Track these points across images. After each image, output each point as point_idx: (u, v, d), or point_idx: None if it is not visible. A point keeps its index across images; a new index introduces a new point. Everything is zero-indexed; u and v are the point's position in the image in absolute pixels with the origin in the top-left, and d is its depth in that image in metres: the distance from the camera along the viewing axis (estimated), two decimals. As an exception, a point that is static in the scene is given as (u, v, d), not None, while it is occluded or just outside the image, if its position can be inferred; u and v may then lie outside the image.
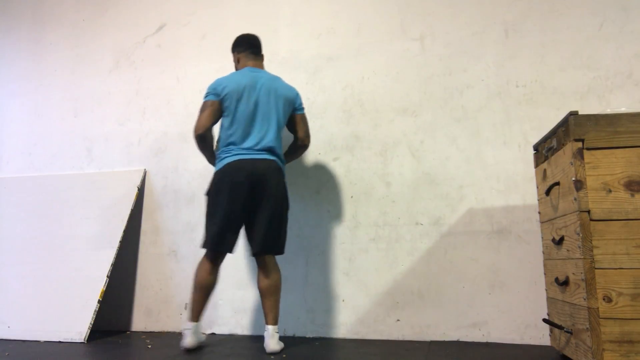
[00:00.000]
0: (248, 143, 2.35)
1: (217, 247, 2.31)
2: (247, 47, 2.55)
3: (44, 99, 3.47)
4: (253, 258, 2.85)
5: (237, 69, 2.57)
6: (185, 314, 2.92)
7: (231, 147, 2.36)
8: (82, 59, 3.44)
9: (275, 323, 2.28)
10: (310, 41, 2.97)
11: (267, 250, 2.31)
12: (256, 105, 2.38)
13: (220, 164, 2.35)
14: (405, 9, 2.83)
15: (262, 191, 2.30)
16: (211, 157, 2.53)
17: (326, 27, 2.95)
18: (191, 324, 2.33)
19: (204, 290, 2.33)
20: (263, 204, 2.31)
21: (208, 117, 2.38)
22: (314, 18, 2.99)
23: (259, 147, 2.35)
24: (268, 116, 2.39)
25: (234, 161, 2.32)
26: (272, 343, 2.24)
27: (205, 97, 2.41)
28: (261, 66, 2.56)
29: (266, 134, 2.38)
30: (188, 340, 2.32)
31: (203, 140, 2.41)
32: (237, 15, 3.14)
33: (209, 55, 3.16)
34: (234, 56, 2.59)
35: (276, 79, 2.47)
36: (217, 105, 2.39)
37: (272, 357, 2.17)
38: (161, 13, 3.31)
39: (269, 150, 2.37)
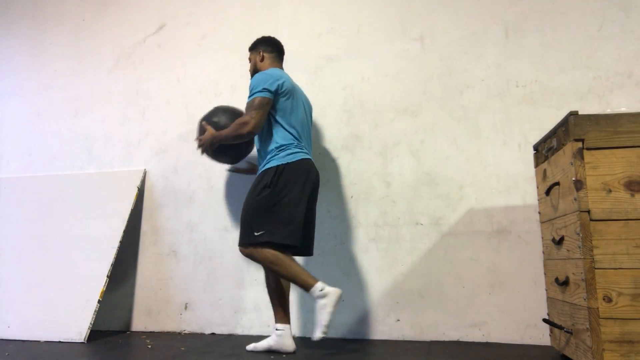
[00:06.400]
0: (308, 146, 2.38)
1: (297, 240, 2.18)
2: (275, 50, 2.53)
3: (44, 98, 3.47)
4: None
5: (259, 66, 2.50)
6: (185, 313, 2.92)
7: (302, 144, 2.33)
8: (82, 58, 3.44)
9: None
10: (310, 41, 2.96)
11: (310, 251, 2.37)
12: (304, 108, 2.41)
13: (294, 157, 2.26)
14: (405, 9, 2.83)
15: (315, 197, 2.36)
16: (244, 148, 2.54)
17: (326, 27, 2.95)
18: (317, 285, 2.10)
19: (292, 260, 2.16)
20: (313, 209, 2.36)
21: (264, 117, 2.26)
22: (314, 18, 2.99)
23: (311, 153, 2.42)
24: (311, 125, 2.49)
25: (308, 159, 2.32)
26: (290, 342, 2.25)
27: (261, 92, 2.25)
28: None
29: (311, 142, 2.45)
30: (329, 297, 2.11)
31: (252, 137, 2.33)
32: (237, 15, 3.14)
33: (209, 55, 3.15)
34: (258, 53, 2.51)
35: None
36: (271, 103, 2.28)
37: (271, 357, 2.17)
38: (161, 13, 3.31)
39: None
